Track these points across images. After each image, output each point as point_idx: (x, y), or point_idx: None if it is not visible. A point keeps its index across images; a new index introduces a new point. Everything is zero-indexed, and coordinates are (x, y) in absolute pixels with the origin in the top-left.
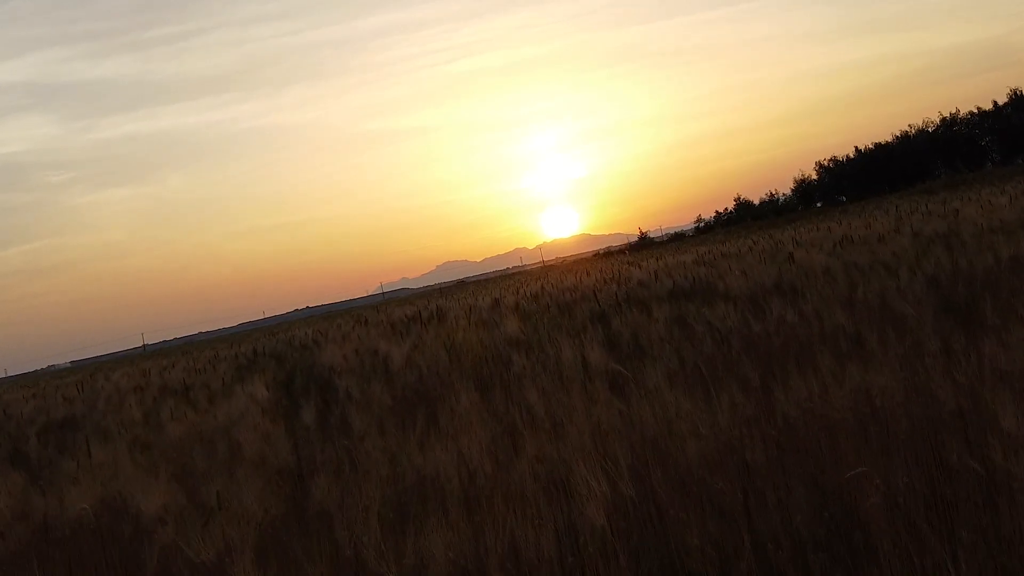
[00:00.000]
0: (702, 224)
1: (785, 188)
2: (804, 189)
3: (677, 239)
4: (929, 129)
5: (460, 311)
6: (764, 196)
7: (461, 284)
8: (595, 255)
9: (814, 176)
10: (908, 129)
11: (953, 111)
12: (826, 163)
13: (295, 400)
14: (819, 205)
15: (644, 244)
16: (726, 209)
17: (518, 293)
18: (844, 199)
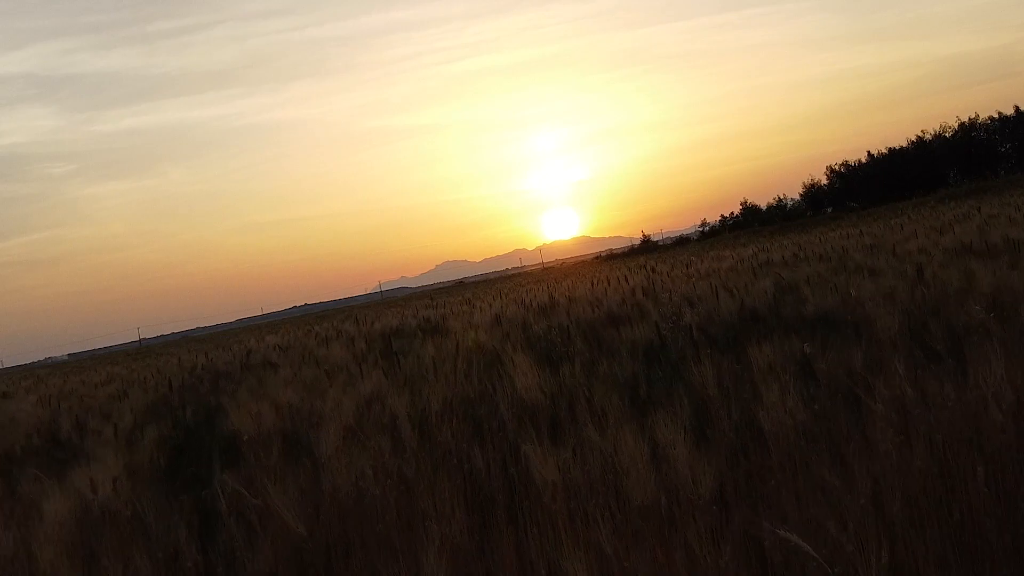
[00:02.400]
0: (706, 228)
1: (792, 193)
2: (813, 194)
3: (681, 243)
4: (947, 134)
5: (453, 326)
6: (772, 201)
7: (459, 285)
8: (596, 258)
9: (824, 181)
10: (922, 134)
11: (973, 116)
12: (837, 168)
13: (160, 497)
14: (829, 211)
15: (647, 248)
16: (732, 213)
17: (524, 304)
18: (855, 205)
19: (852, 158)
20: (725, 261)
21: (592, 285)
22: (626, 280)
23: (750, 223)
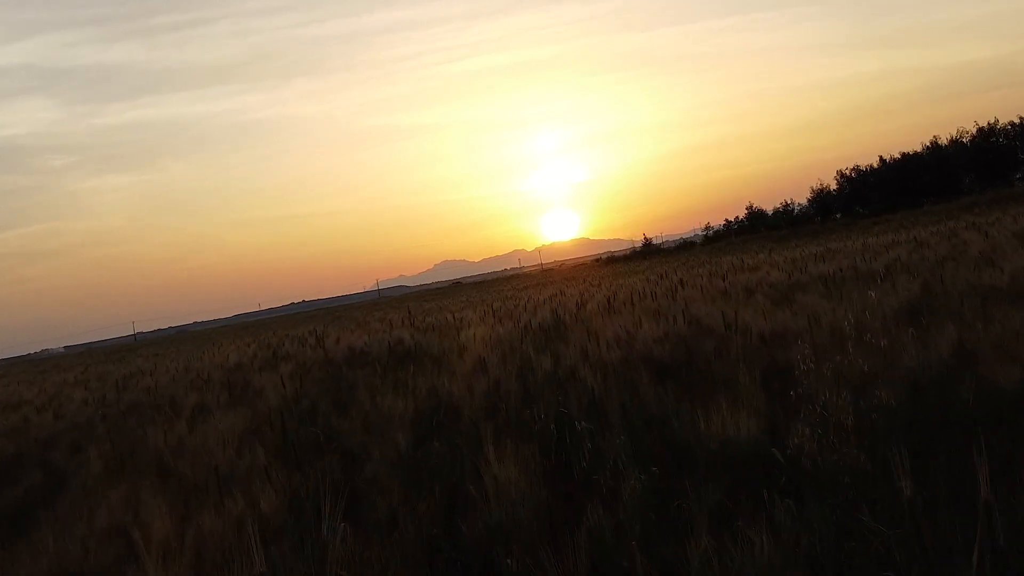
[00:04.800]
0: (710, 232)
1: (797, 198)
2: (822, 199)
3: (685, 247)
4: (964, 139)
5: (430, 348)
6: (778, 205)
7: (457, 285)
8: (596, 261)
9: (833, 186)
10: (935, 138)
11: (992, 120)
12: (848, 172)
13: None
14: (838, 216)
15: (650, 251)
16: (737, 217)
17: (520, 322)
18: (863, 211)
19: (854, 164)
20: (761, 271)
21: (609, 302)
22: (652, 297)
23: (756, 228)
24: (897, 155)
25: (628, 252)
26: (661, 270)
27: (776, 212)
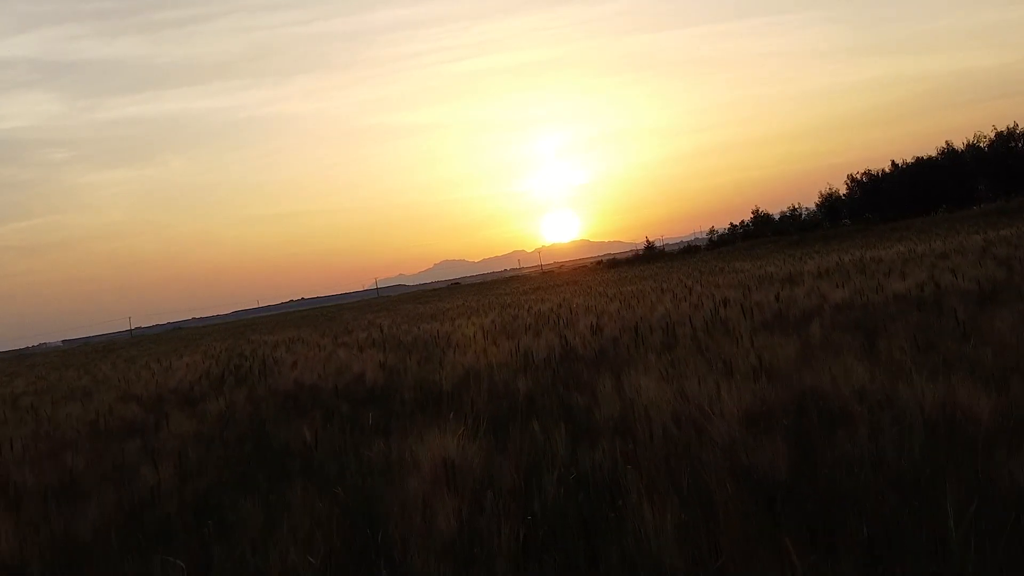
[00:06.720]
0: (715, 236)
1: (805, 202)
2: (831, 204)
3: (690, 252)
4: (982, 144)
5: (403, 381)
6: (785, 210)
7: (456, 285)
8: (597, 263)
9: (843, 191)
10: (949, 143)
11: (1011, 125)
12: (859, 177)
13: None
14: (847, 222)
15: (653, 255)
16: (743, 221)
17: (520, 345)
18: (871, 217)
19: (861, 169)
20: (805, 285)
21: (636, 330)
22: (690, 323)
23: (762, 232)
24: (910, 159)
25: (630, 255)
26: (675, 278)
27: (783, 216)
